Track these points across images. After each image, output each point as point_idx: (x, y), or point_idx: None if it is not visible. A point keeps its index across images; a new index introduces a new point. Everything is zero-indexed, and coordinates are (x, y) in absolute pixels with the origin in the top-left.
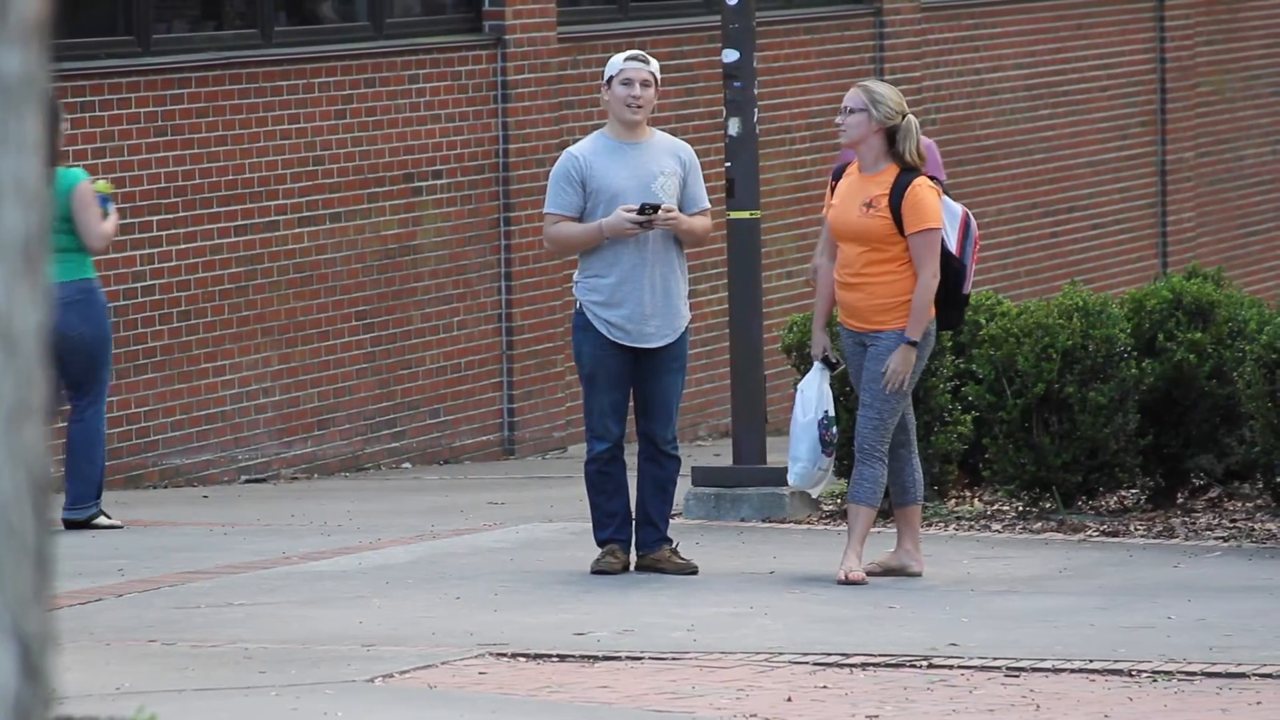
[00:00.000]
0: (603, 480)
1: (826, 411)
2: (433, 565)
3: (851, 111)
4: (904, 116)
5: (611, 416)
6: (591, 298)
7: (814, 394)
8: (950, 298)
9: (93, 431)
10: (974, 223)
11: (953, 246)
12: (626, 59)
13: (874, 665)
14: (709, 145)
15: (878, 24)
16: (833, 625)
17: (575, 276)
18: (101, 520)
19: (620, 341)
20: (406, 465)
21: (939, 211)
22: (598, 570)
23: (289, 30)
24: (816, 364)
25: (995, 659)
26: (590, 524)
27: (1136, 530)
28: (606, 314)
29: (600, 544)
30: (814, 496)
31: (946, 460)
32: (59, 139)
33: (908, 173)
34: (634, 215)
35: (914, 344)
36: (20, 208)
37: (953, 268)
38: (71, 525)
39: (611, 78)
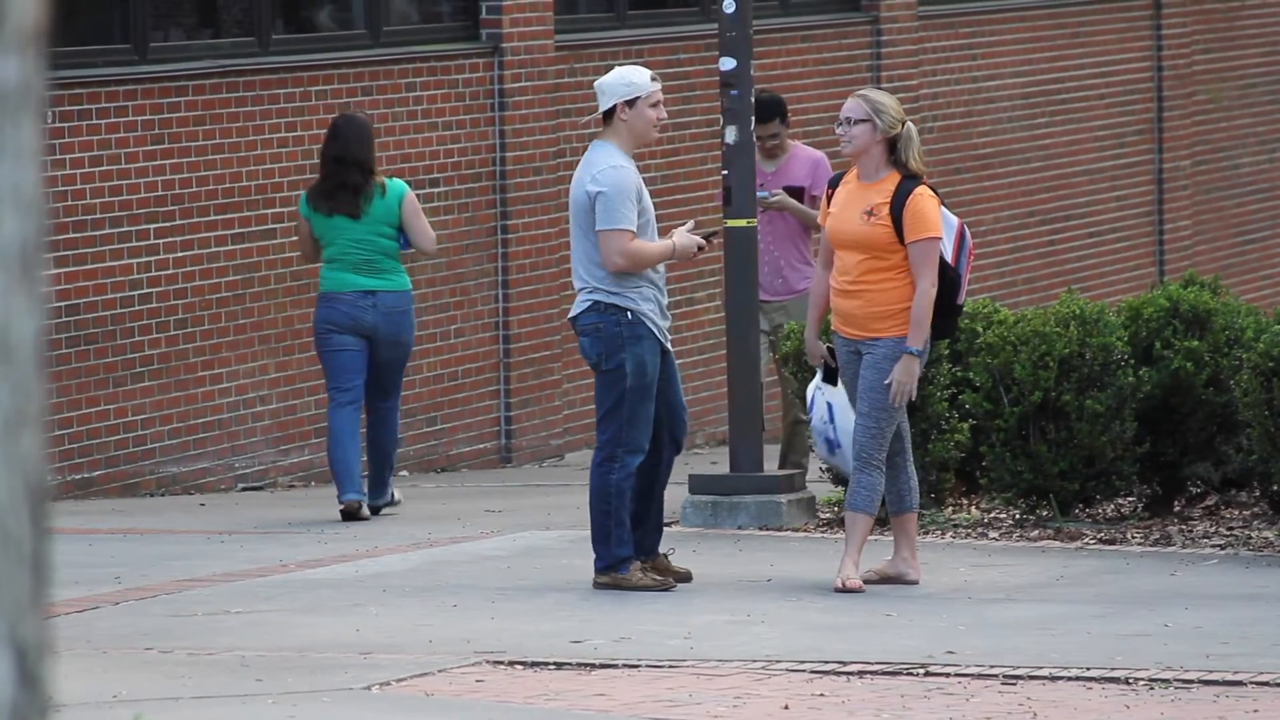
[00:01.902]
0: (632, 494)
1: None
2: (430, 573)
3: (855, 122)
4: (903, 124)
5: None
6: (647, 307)
7: (845, 404)
8: (945, 307)
9: (393, 429)
10: (969, 234)
11: (949, 256)
12: (653, 79)
13: (871, 673)
14: (705, 153)
15: (875, 32)
16: (830, 633)
17: (614, 287)
18: (390, 510)
19: (664, 345)
20: (404, 473)
21: (939, 221)
22: (659, 588)
23: (286, 38)
24: (820, 373)
25: (992, 667)
26: (589, 534)
27: (1133, 538)
28: (659, 321)
29: (625, 561)
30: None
31: (944, 468)
32: (371, 150)
33: (909, 180)
34: (701, 240)
35: (915, 354)
36: (18, 216)
37: (948, 277)
38: (374, 510)
39: (639, 98)
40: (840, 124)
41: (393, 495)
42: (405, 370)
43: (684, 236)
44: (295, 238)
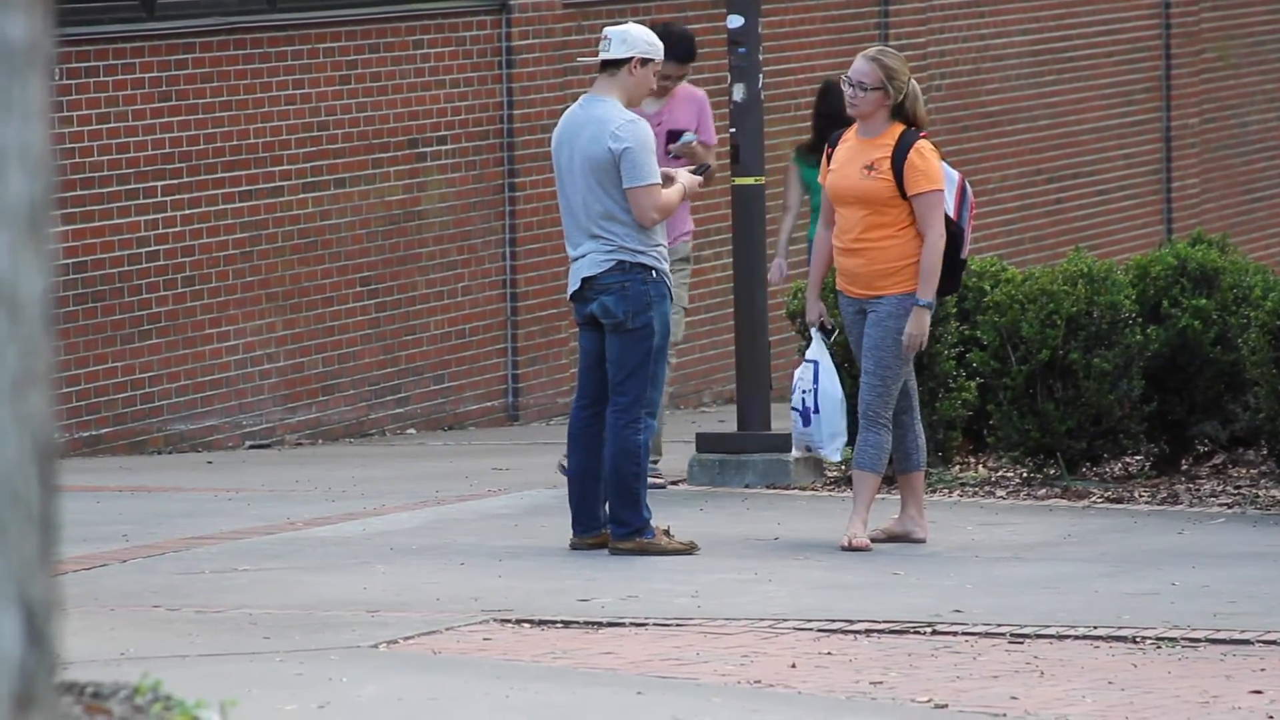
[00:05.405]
0: (582, 469)
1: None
2: (437, 531)
3: (868, 89)
4: (909, 82)
5: None
6: (665, 266)
7: (830, 365)
8: (949, 263)
9: None
10: (969, 188)
11: (951, 211)
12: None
13: (878, 632)
14: (714, 111)
15: None
16: (837, 591)
17: (638, 246)
18: None
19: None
20: (411, 431)
21: (940, 173)
22: (685, 551)
23: None
24: (815, 333)
25: (999, 625)
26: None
27: (1141, 497)
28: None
29: (649, 525)
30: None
31: (951, 427)
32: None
33: (909, 133)
34: (698, 178)
35: (926, 305)
36: (25, 175)
37: (952, 232)
38: None
39: (652, 61)
40: (850, 85)
41: None
42: None
43: (687, 176)
44: (304, 195)
